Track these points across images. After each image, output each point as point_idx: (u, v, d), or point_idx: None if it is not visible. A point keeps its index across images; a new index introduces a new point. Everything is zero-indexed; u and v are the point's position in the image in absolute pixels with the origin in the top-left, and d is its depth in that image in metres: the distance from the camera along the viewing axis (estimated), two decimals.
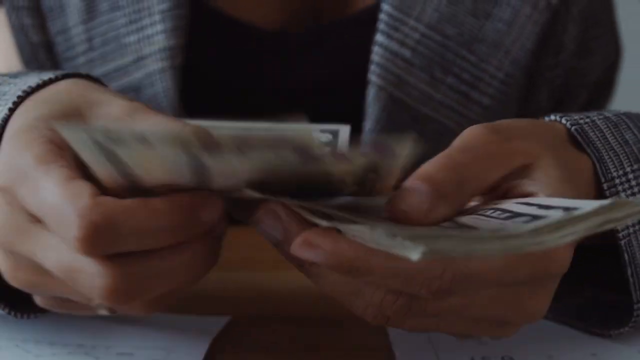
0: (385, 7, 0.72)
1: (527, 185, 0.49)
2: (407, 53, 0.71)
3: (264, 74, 0.77)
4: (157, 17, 0.72)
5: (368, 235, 0.42)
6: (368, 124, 0.72)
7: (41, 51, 0.77)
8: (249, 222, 0.49)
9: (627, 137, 0.55)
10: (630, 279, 0.53)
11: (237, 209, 0.49)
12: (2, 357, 0.54)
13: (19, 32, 0.77)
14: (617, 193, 0.52)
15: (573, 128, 0.54)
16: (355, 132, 0.73)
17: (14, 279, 0.49)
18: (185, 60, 0.73)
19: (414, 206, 0.45)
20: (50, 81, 0.53)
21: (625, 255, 0.53)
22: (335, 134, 0.56)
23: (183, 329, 0.56)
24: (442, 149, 0.71)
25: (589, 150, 0.53)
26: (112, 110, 0.50)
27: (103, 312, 0.48)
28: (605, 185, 0.52)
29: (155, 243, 0.45)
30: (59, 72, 0.54)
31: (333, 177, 0.45)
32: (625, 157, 0.53)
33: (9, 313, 0.54)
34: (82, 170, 0.46)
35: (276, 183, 0.45)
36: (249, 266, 0.62)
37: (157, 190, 0.46)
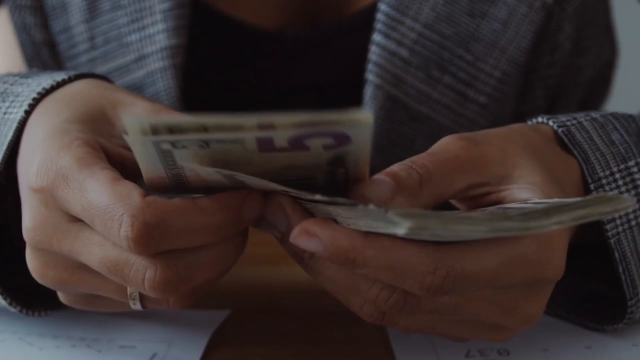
0: (382, 6, 0.72)
1: (517, 192, 0.49)
2: (404, 52, 0.72)
3: (263, 73, 0.77)
4: (158, 17, 0.73)
5: (361, 211, 0.43)
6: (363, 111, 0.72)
7: (44, 50, 0.78)
8: (255, 225, 0.50)
9: (613, 137, 0.55)
10: (622, 276, 0.53)
11: None
12: (6, 350, 0.54)
13: (21, 30, 0.77)
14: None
15: (560, 130, 0.54)
16: None
17: (44, 277, 0.50)
18: (186, 60, 0.74)
19: (376, 194, 0.46)
20: (64, 82, 0.54)
21: (616, 254, 0.53)
22: None
23: (184, 323, 0.57)
24: None
25: (575, 152, 0.54)
26: (135, 112, 0.51)
27: (137, 307, 0.50)
28: (592, 186, 0.53)
29: (202, 241, 0.46)
30: (71, 73, 0.55)
31: (297, 170, 0.46)
32: (612, 157, 0.54)
33: (21, 311, 0.55)
34: (118, 169, 0.48)
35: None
36: (249, 261, 0.63)
37: (194, 187, 0.47)
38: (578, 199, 0.44)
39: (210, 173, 0.45)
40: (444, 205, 0.49)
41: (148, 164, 0.46)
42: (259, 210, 0.47)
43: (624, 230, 0.53)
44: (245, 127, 0.41)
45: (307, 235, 0.45)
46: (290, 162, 0.45)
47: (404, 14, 0.72)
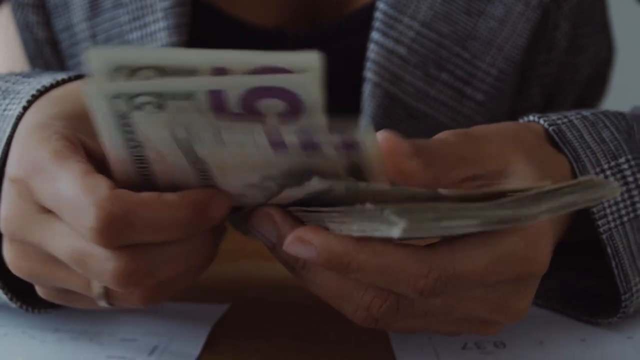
0: (381, 5, 0.72)
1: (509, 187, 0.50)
2: (402, 50, 0.72)
3: None
4: (159, 15, 0.73)
5: (358, 212, 0.43)
6: (364, 119, 0.73)
7: (46, 48, 0.78)
8: (245, 233, 0.50)
9: (604, 135, 0.56)
10: (615, 271, 0.54)
11: (236, 220, 0.51)
12: (9, 343, 0.55)
13: (24, 29, 0.78)
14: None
15: (550, 128, 0.55)
16: None
17: (19, 269, 0.51)
18: None
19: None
20: (64, 81, 0.55)
21: (609, 249, 0.54)
22: None
23: (185, 316, 0.58)
24: None
25: (565, 150, 0.54)
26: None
27: (102, 304, 0.50)
28: None
29: (167, 236, 0.46)
30: (72, 73, 0.56)
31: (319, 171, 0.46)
32: (602, 155, 0.55)
33: (21, 307, 0.55)
34: (96, 166, 0.48)
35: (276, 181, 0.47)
36: (248, 256, 0.63)
37: (163, 184, 0.48)
38: (566, 182, 0.45)
39: (173, 151, 0.45)
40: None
41: (110, 139, 0.46)
42: (227, 209, 0.47)
43: (616, 226, 0.54)
44: (198, 69, 0.41)
45: (300, 243, 0.45)
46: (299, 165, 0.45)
47: (402, 13, 0.72)
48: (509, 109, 0.77)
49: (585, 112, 0.57)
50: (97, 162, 0.49)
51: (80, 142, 0.49)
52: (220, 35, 0.77)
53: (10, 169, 0.49)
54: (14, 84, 0.56)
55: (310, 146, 0.43)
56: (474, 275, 0.45)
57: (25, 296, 0.55)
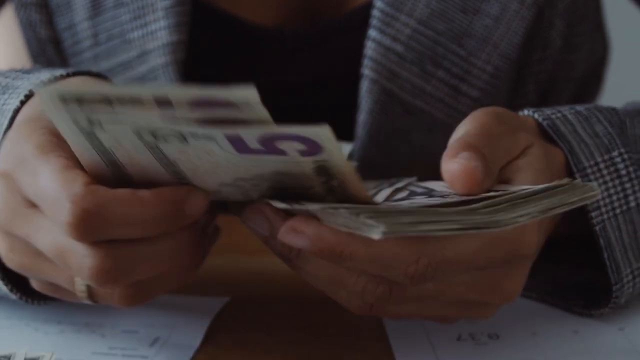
0: (378, 3, 0.73)
1: (508, 171, 0.51)
2: (399, 47, 0.73)
3: (262, 70, 0.78)
4: (160, 13, 0.74)
5: (332, 216, 0.44)
6: (361, 116, 0.73)
7: (49, 46, 0.79)
8: (241, 220, 0.51)
9: (597, 129, 0.57)
10: (607, 262, 0.55)
11: (232, 205, 0.51)
12: (13, 335, 0.55)
13: (26, 27, 0.79)
14: (589, 182, 0.54)
15: (545, 122, 0.56)
16: (349, 124, 0.75)
17: (10, 261, 0.51)
18: (187, 57, 0.75)
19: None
20: (62, 77, 0.55)
21: (601, 240, 0.55)
22: None
23: (185, 309, 0.58)
24: (432, 139, 0.73)
25: (560, 143, 0.55)
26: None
27: (86, 301, 0.50)
28: (577, 175, 0.54)
29: (141, 232, 0.47)
30: (70, 70, 0.56)
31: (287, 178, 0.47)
32: (596, 148, 0.55)
33: (20, 298, 0.56)
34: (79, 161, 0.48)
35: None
36: (247, 250, 0.64)
37: (142, 182, 0.48)
38: (542, 186, 0.46)
39: (144, 154, 0.45)
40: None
41: (78, 150, 0.46)
42: (203, 207, 0.48)
43: (609, 218, 0.55)
44: (143, 99, 0.41)
45: (294, 232, 0.46)
46: (273, 169, 0.45)
47: (398, 10, 0.73)
48: (504, 105, 0.77)
49: (579, 107, 0.58)
50: None
51: None
52: (220, 34, 0.77)
53: (0, 162, 0.50)
54: (13, 79, 0.57)
55: (276, 151, 0.44)
56: (463, 260, 0.46)
57: (25, 288, 0.56)
